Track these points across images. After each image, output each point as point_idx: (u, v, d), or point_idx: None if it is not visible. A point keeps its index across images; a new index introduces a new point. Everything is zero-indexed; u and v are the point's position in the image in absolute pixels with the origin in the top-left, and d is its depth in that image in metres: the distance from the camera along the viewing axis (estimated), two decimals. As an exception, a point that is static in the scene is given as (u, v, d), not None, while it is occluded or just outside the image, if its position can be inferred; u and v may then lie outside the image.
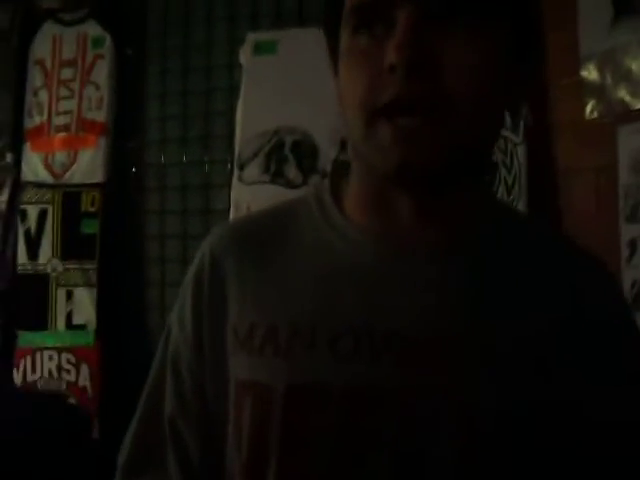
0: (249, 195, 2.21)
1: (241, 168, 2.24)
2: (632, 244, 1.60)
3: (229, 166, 2.34)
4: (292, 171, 2.20)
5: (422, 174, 0.67)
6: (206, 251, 0.80)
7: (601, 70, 1.67)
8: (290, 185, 2.19)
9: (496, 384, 0.68)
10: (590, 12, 1.68)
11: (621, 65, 1.62)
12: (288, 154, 2.20)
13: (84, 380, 2.44)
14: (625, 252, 1.60)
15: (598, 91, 1.67)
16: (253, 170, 2.23)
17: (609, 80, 1.65)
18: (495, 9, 0.68)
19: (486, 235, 0.76)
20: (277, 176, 2.21)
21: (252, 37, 2.32)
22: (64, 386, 2.46)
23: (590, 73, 1.69)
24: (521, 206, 1.76)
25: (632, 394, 0.73)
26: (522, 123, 1.78)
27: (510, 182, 1.78)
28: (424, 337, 0.70)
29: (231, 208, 2.24)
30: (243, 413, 0.72)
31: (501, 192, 1.80)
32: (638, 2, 1.58)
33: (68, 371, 2.46)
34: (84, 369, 2.44)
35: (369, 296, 0.72)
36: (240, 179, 2.24)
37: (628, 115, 1.61)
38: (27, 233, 2.58)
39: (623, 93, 1.62)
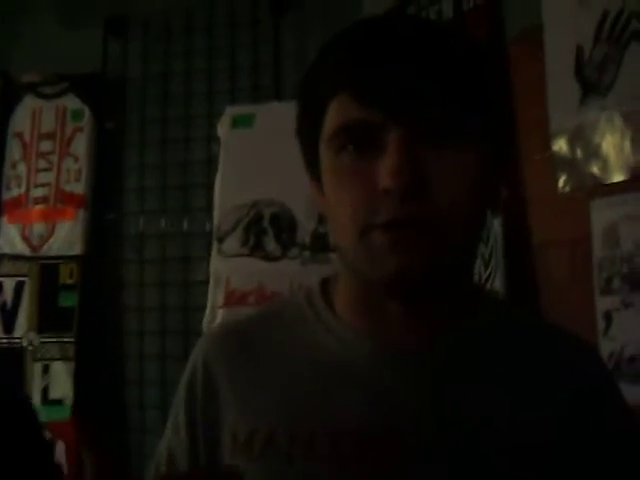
0: (229, 268, 2.22)
1: (220, 241, 2.25)
2: (607, 316, 1.61)
3: (208, 238, 2.35)
4: (271, 244, 2.21)
5: (416, 283, 0.69)
6: (198, 357, 0.81)
7: (572, 146, 1.71)
8: (269, 258, 2.20)
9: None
10: (559, 91, 1.74)
11: (590, 141, 1.66)
12: (267, 226, 2.22)
13: (59, 457, 2.38)
14: (601, 324, 1.62)
15: (569, 166, 1.71)
16: (232, 243, 2.23)
17: (580, 155, 1.69)
18: (478, 123, 0.70)
19: (475, 331, 0.77)
20: (256, 249, 2.22)
21: (230, 111, 2.36)
22: (39, 464, 2.40)
23: (561, 148, 1.73)
24: (498, 279, 1.77)
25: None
26: (497, 197, 1.81)
27: (487, 256, 1.80)
28: (426, 437, 0.70)
29: (210, 281, 2.24)
30: None
31: (478, 266, 1.82)
32: (604, 83, 1.63)
33: (43, 448, 2.40)
34: (60, 445, 2.39)
35: (366, 399, 0.72)
36: (219, 252, 2.25)
37: (600, 189, 1.65)
38: (3, 306, 2.55)
39: (594, 168, 1.66)
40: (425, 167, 0.67)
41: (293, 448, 0.71)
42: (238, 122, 2.32)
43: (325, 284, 0.82)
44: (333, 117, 0.70)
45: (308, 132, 0.74)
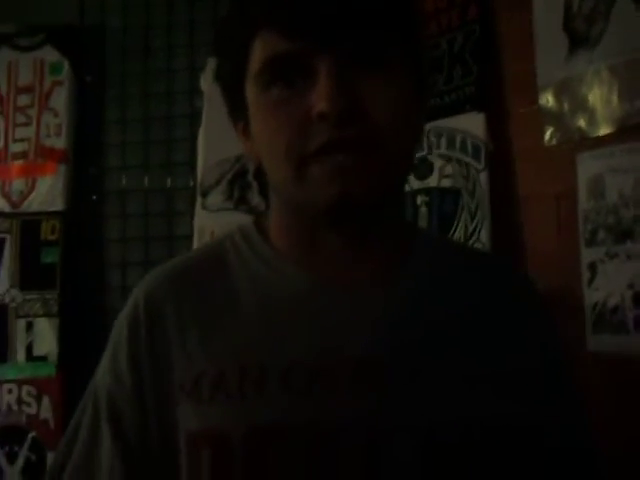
0: (213, 222, 2.21)
1: (204, 195, 2.24)
2: (592, 267, 1.64)
3: (191, 193, 2.33)
4: (255, 197, 2.21)
5: (358, 208, 0.70)
6: (140, 301, 0.78)
7: (558, 99, 1.72)
8: (254, 211, 2.19)
9: (453, 402, 0.72)
10: (547, 43, 1.73)
11: (577, 94, 1.67)
12: (251, 180, 2.21)
13: (46, 412, 2.39)
14: (586, 275, 1.65)
15: (556, 119, 1.72)
16: (216, 197, 2.23)
17: (566, 109, 1.70)
18: (401, 49, 0.72)
19: (413, 262, 0.79)
20: (241, 202, 2.21)
21: (213, 63, 2.32)
22: (24, 419, 2.41)
23: (548, 102, 1.74)
24: (484, 232, 1.79)
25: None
26: (484, 150, 1.82)
27: (473, 208, 1.82)
28: (373, 364, 0.71)
29: (195, 235, 2.24)
30: (200, 465, 0.70)
31: (464, 218, 1.83)
32: (592, 36, 1.63)
33: (29, 404, 2.41)
34: (45, 401, 2.39)
35: (310, 328, 0.73)
36: (203, 206, 2.24)
37: (586, 142, 1.66)
38: (-16, 263, 2.52)
39: (580, 121, 1.67)
40: (356, 91, 0.68)
41: (243, 386, 0.71)
42: (221, 75, 2.29)
43: (259, 222, 0.82)
44: (259, 53, 0.71)
45: (231, 73, 0.75)
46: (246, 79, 0.73)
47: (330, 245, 0.75)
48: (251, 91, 0.73)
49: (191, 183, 2.36)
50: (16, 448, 2.39)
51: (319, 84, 0.67)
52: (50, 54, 2.54)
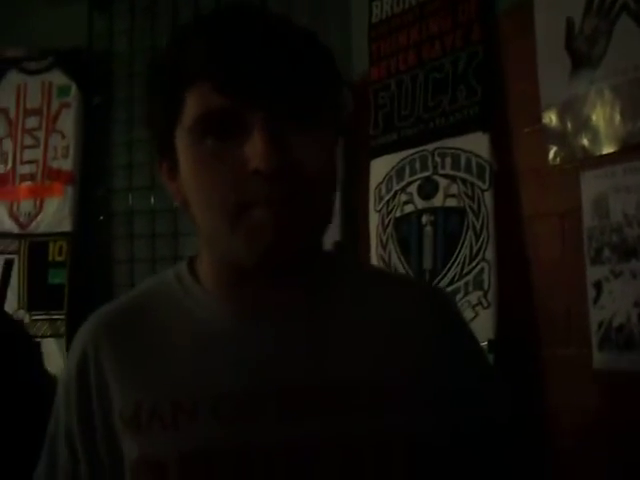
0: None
1: (211, 216, 2.25)
2: (597, 286, 1.64)
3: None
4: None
5: (286, 258, 0.74)
6: (86, 341, 0.82)
7: (562, 118, 1.73)
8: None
9: (377, 418, 0.76)
10: (549, 64, 1.75)
11: (580, 114, 1.68)
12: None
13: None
14: (591, 293, 1.65)
15: (560, 138, 1.73)
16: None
17: (570, 128, 1.71)
18: (327, 107, 0.76)
19: (331, 290, 0.84)
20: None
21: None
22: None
23: (551, 121, 1.75)
24: (490, 251, 1.80)
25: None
26: (489, 170, 1.83)
27: (478, 228, 1.83)
28: (299, 389, 0.76)
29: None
30: None
31: (470, 238, 1.84)
32: (594, 55, 1.64)
33: (37, 424, 2.41)
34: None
35: (238, 359, 0.77)
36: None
37: (589, 161, 1.67)
38: (-8, 284, 2.54)
39: (583, 140, 1.68)
40: (289, 147, 0.71)
41: (176, 416, 0.75)
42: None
43: (192, 262, 0.85)
44: (193, 106, 0.72)
45: (162, 120, 0.76)
46: (176, 127, 0.75)
47: (254, 283, 0.78)
48: (182, 141, 0.75)
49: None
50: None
51: (253, 140, 0.70)
52: (58, 77, 2.57)
